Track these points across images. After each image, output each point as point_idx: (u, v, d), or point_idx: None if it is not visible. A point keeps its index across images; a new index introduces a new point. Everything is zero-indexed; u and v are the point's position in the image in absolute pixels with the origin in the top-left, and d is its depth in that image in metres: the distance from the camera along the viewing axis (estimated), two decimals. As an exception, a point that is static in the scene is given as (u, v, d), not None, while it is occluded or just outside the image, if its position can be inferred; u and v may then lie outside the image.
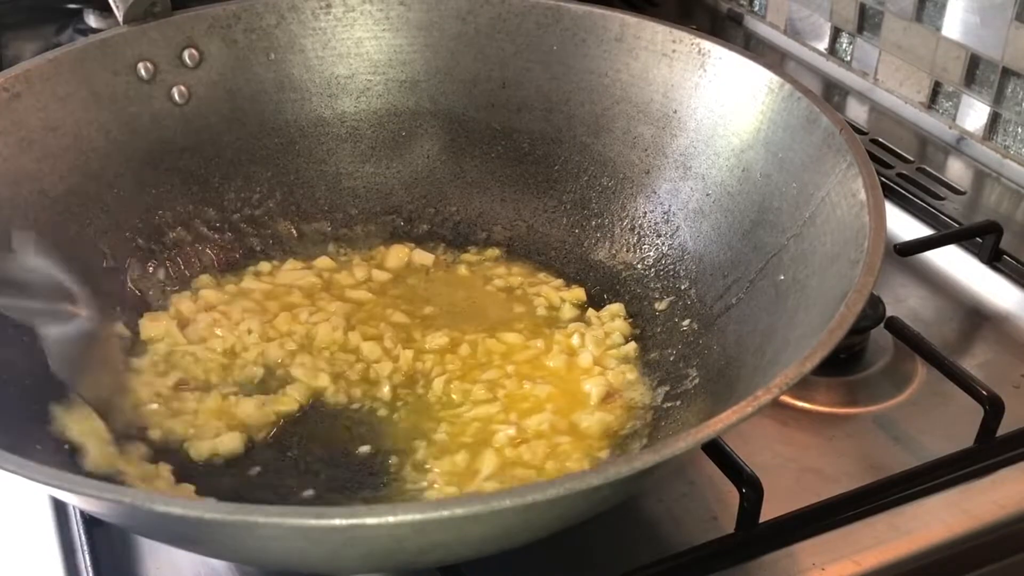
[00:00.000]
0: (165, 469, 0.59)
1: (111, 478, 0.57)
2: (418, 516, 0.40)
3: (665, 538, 0.59)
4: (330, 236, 0.78)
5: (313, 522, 0.40)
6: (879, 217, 0.55)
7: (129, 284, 0.71)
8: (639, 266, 0.74)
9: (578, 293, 0.74)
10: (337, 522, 0.39)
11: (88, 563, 0.56)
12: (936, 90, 0.96)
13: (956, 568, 0.60)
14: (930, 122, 0.97)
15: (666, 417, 0.63)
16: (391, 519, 0.39)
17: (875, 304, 0.71)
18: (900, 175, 0.91)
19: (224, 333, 0.69)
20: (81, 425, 0.58)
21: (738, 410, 0.45)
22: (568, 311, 0.72)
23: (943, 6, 0.92)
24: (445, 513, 0.40)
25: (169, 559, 0.58)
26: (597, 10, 0.76)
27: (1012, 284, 0.77)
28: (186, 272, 0.74)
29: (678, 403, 0.63)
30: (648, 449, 0.43)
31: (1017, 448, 0.64)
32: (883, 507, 0.60)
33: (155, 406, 0.63)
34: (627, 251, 0.75)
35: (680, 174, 0.73)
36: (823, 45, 1.07)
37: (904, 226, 0.83)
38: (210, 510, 0.40)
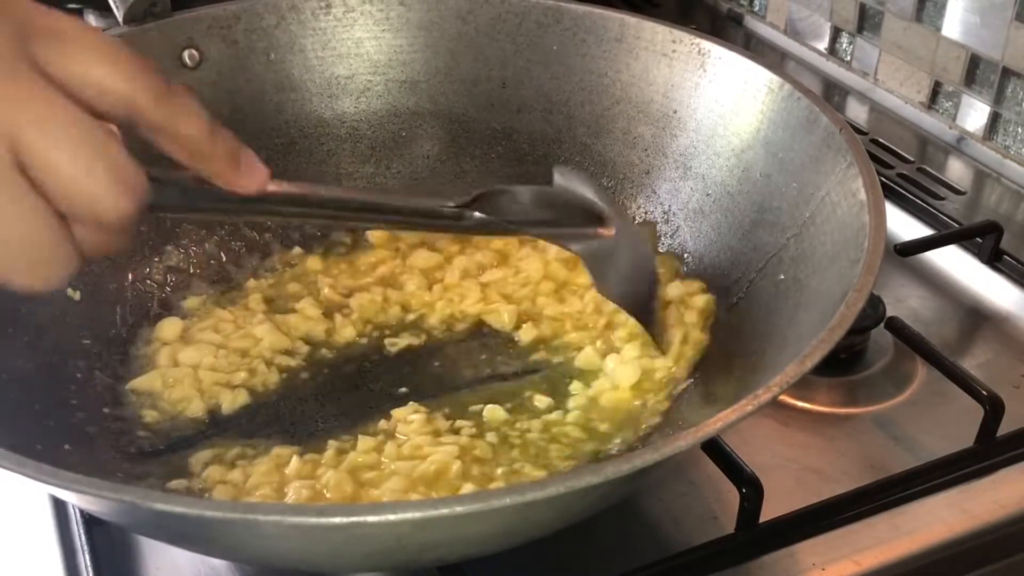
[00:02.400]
0: None
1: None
2: (418, 514, 0.40)
3: (665, 538, 0.59)
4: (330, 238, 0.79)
5: (314, 520, 0.40)
6: (879, 216, 0.55)
7: (129, 283, 0.71)
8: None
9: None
10: (338, 520, 0.39)
11: (88, 563, 0.56)
12: (936, 90, 0.96)
13: (956, 568, 0.60)
14: (930, 122, 0.97)
15: (666, 416, 0.63)
16: (392, 517, 0.39)
17: (875, 304, 0.71)
18: (900, 175, 0.91)
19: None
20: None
21: (738, 409, 0.45)
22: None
23: (943, 6, 0.92)
24: (445, 511, 0.40)
25: (169, 559, 0.58)
26: (597, 10, 0.76)
27: (1012, 284, 0.77)
28: (187, 272, 0.74)
29: (678, 402, 0.63)
30: (648, 447, 0.43)
31: (1017, 448, 0.64)
32: (883, 507, 0.60)
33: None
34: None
35: (680, 174, 0.73)
36: (823, 45, 1.07)
37: (904, 226, 0.83)
38: (210, 508, 0.40)
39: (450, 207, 0.58)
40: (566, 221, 0.62)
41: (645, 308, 0.65)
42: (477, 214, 0.59)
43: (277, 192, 0.51)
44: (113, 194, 0.40)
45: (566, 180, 0.62)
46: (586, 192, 0.62)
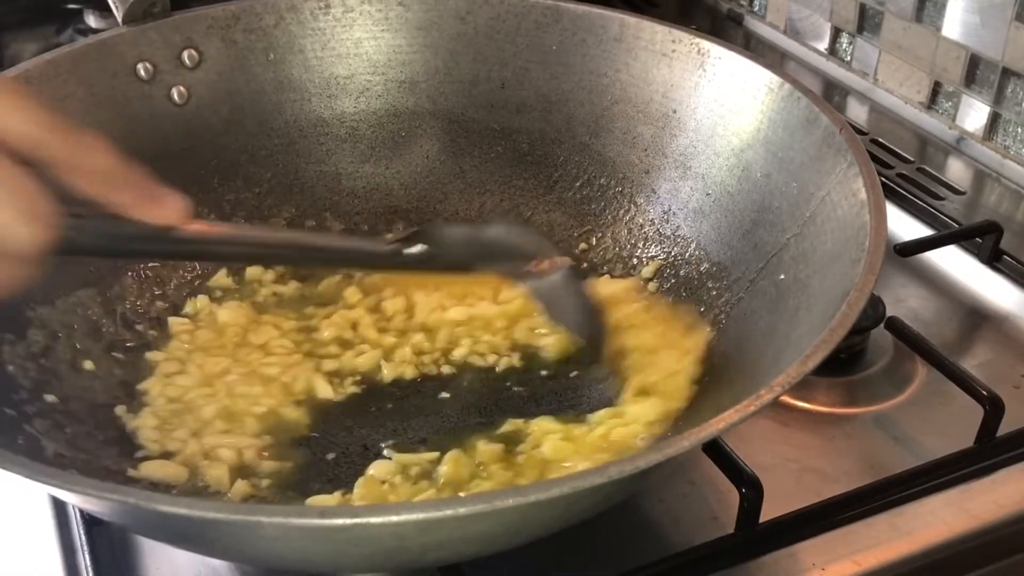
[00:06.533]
0: None
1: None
2: (421, 515, 0.40)
3: (665, 538, 0.59)
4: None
5: (317, 522, 0.40)
6: (880, 216, 0.55)
7: (128, 284, 0.71)
8: (639, 266, 0.74)
9: None
10: (340, 521, 0.39)
11: (88, 563, 0.56)
12: (936, 90, 0.96)
13: (956, 568, 0.60)
14: (930, 122, 0.97)
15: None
16: (394, 518, 0.39)
17: (875, 304, 0.71)
18: (900, 175, 0.91)
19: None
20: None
21: (740, 409, 0.45)
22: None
23: (943, 6, 0.92)
24: (448, 512, 0.40)
25: (169, 559, 0.58)
26: (596, 10, 0.76)
27: (1012, 284, 0.77)
28: (187, 272, 0.74)
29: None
30: (650, 448, 0.43)
31: (1017, 448, 0.64)
32: (883, 507, 0.60)
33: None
34: (627, 251, 0.75)
35: (680, 174, 0.73)
36: (823, 45, 1.08)
37: (904, 226, 0.83)
38: (213, 510, 0.40)
39: (387, 245, 0.59)
40: (502, 258, 0.63)
41: (598, 339, 0.66)
42: (417, 248, 0.59)
43: (203, 232, 0.51)
44: (21, 224, 0.41)
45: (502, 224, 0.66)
46: (522, 234, 0.65)
